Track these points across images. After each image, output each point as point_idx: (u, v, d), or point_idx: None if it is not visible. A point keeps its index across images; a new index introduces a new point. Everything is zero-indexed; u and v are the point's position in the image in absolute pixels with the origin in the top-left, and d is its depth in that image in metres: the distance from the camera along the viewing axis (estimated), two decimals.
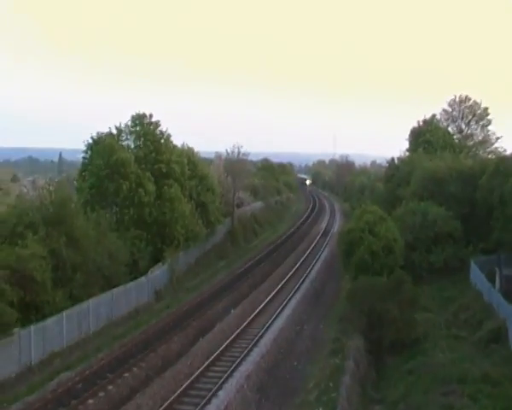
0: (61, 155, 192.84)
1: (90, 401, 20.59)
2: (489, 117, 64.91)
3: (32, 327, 23.87)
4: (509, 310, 23.41)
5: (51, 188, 32.72)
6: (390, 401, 20.65)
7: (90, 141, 39.51)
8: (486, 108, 64.90)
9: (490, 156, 59.37)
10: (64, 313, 26.09)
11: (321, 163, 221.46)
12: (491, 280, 29.34)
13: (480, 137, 66.11)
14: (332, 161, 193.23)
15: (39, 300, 25.76)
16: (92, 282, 30.30)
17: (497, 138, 64.42)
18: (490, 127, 65.08)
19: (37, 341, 23.98)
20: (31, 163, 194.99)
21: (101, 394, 21.28)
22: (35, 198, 33.47)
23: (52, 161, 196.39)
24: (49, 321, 25.10)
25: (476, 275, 32.02)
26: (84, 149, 39.77)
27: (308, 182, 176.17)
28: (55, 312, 25.96)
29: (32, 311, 25.41)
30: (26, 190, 44.51)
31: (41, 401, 20.03)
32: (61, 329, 25.77)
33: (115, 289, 31.15)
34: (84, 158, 40.06)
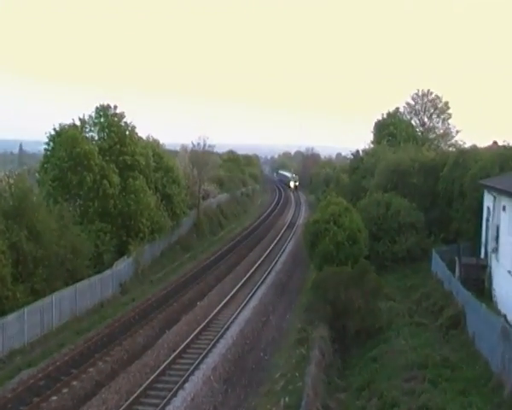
0: (21, 146, 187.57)
1: (54, 398, 20.19)
2: (449, 111, 66.84)
3: None
4: (466, 297, 24.07)
5: (11, 180, 31.85)
6: (355, 388, 20.96)
7: (53, 132, 38.76)
8: (447, 102, 67.00)
9: (450, 149, 60.92)
10: (25, 309, 25.47)
11: (286, 155, 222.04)
12: (452, 269, 30.07)
13: (441, 131, 67.98)
14: (297, 153, 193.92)
15: None
16: (55, 276, 29.74)
17: (457, 132, 66.62)
18: (450, 121, 67.07)
19: None
20: None
21: (65, 390, 20.89)
22: None
23: (12, 153, 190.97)
24: (10, 317, 24.45)
25: (437, 264, 32.77)
26: (46, 140, 38.99)
27: (292, 184, 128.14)
28: (15, 307, 25.33)
29: None
30: None
31: (0, 401, 19.53)
32: (22, 325, 25.14)
33: (79, 283, 30.66)
34: (46, 150, 39.25)
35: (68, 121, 39.47)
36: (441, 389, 17.96)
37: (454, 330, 23.84)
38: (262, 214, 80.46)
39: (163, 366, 22.46)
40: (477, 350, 20.92)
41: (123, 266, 36.68)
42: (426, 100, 67.57)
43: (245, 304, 31.90)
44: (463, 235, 35.54)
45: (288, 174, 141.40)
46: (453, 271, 30.02)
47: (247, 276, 38.77)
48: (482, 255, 31.15)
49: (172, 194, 48.16)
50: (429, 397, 17.11)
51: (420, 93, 67.57)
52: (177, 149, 75.31)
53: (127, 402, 19.20)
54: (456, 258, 30.82)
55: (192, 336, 26.13)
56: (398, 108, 67.71)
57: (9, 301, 25.68)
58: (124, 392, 20.47)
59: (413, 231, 39.49)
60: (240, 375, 23.21)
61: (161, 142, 53.49)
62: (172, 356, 23.59)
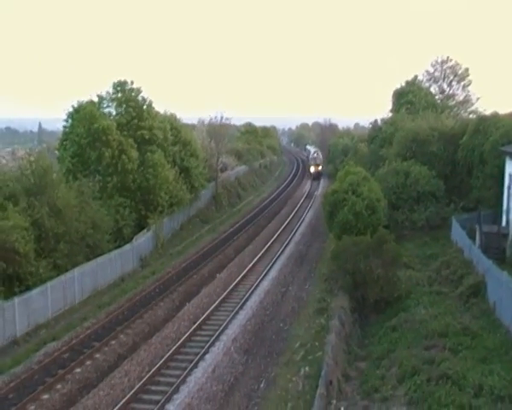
0: (40, 124, 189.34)
1: (78, 370, 20.72)
2: (469, 77, 65.42)
3: (16, 299, 23.77)
4: (487, 265, 23.81)
5: (31, 158, 32.20)
6: (375, 357, 21.03)
7: (71, 109, 38.99)
8: (467, 69, 65.60)
9: (470, 116, 59.69)
10: (48, 284, 26.02)
11: (304, 126, 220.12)
12: (472, 237, 29.74)
13: (461, 98, 66.71)
14: (315, 124, 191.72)
15: (22, 271, 25.60)
16: (76, 251, 30.22)
17: (478, 98, 65.25)
18: (470, 88, 65.70)
19: (21, 313, 23.93)
20: (9, 133, 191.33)
21: (89, 362, 21.41)
22: (15, 169, 32.96)
23: (31, 131, 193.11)
24: (34, 292, 25.01)
25: (457, 232, 32.42)
26: (65, 117, 39.26)
27: (313, 168, 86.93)
28: (39, 283, 25.88)
29: (15, 283, 25.26)
30: (5, 161, 43.73)
31: (27, 372, 20.12)
32: (45, 300, 25.72)
33: (100, 258, 31.10)
34: (64, 127, 39.61)
35: (86, 98, 39.74)
36: (461, 358, 17.94)
37: (474, 298, 23.67)
38: (280, 185, 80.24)
39: (184, 338, 22.76)
40: (498, 319, 20.78)
41: (142, 240, 37.04)
42: (445, 67, 66.28)
43: (264, 275, 32.03)
44: (484, 203, 35.04)
45: (311, 148, 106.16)
46: (473, 239, 29.71)
47: (266, 247, 38.84)
48: (503, 223, 30.71)
49: (191, 167, 48.31)
50: (449, 365, 17.10)
51: (439, 60, 66.29)
52: (195, 122, 75.16)
53: (149, 374, 19.54)
54: (477, 226, 30.45)
55: (212, 308, 26.39)
56: (416, 76, 66.43)
57: (33, 276, 26.22)
58: (145, 364, 20.83)
59: (432, 199, 39.11)
60: (260, 345, 23.43)
61: (178, 116, 53.38)
62: (193, 328, 23.87)
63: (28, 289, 25.26)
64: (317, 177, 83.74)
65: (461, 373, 16.49)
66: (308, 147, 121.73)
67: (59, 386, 19.51)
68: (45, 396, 18.78)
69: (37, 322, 24.97)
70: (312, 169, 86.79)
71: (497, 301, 21.53)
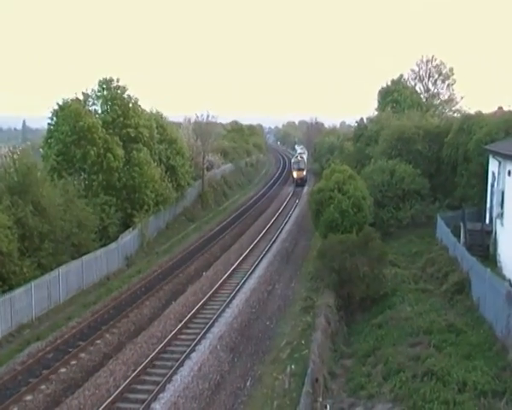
0: (24, 122, 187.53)
1: (62, 370, 20.49)
2: (454, 77, 66.29)
3: None
4: (471, 262, 24.05)
5: (15, 156, 31.81)
6: (360, 354, 21.12)
7: (56, 107, 38.65)
8: (452, 68, 66.44)
9: (455, 115, 60.40)
10: (32, 283, 25.72)
11: (291, 124, 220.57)
12: (456, 235, 30.02)
13: (445, 96, 67.50)
14: (302, 122, 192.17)
15: (5, 271, 25.32)
16: (61, 250, 29.96)
17: (462, 97, 66.12)
18: (455, 87, 66.58)
19: (4, 312, 23.62)
20: None
21: (73, 362, 21.19)
22: None
23: (15, 129, 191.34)
24: (17, 292, 24.70)
25: (442, 230, 32.70)
26: (50, 115, 38.91)
27: (296, 173, 77.53)
28: (23, 282, 25.57)
29: None
30: None
31: (10, 373, 19.85)
32: (29, 299, 25.42)
33: (85, 257, 30.86)
34: (49, 124, 39.24)
35: (71, 96, 39.40)
36: (446, 354, 18.10)
37: (459, 295, 23.89)
38: (266, 184, 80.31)
39: (170, 337, 22.67)
40: (481, 315, 20.98)
41: (128, 238, 36.86)
42: (430, 66, 67.12)
43: (250, 273, 32.01)
44: (468, 201, 35.42)
45: (300, 149, 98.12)
46: (458, 237, 30.00)
47: (252, 245, 38.81)
48: (487, 221, 31.04)
49: (176, 165, 48.24)
50: (434, 362, 17.25)
51: (424, 59, 67.02)
52: (181, 120, 74.94)
53: (134, 373, 19.43)
54: (461, 224, 30.76)
55: (198, 307, 26.32)
56: (402, 75, 67.12)
57: (16, 275, 25.94)
58: (131, 363, 20.69)
59: (418, 197, 39.49)
60: (246, 344, 23.41)
61: (165, 114, 53.19)
62: (179, 327, 23.79)
63: (11, 288, 24.95)
64: (300, 183, 75.13)
65: (445, 369, 16.65)
66: (297, 147, 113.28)
67: (43, 387, 19.27)
68: (28, 397, 18.53)
69: (20, 322, 24.67)
70: (295, 175, 77.53)
71: (480, 297, 21.74)
